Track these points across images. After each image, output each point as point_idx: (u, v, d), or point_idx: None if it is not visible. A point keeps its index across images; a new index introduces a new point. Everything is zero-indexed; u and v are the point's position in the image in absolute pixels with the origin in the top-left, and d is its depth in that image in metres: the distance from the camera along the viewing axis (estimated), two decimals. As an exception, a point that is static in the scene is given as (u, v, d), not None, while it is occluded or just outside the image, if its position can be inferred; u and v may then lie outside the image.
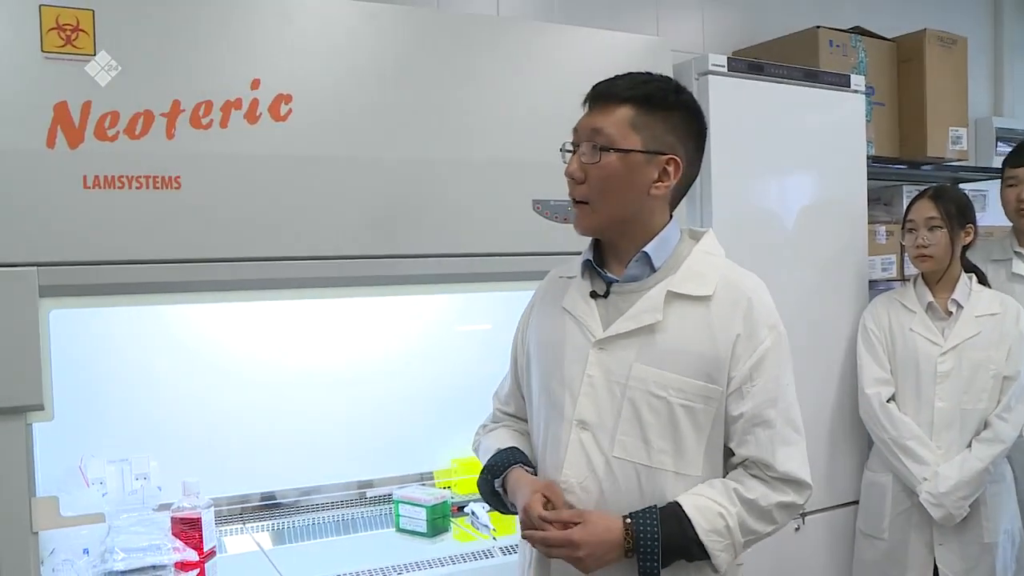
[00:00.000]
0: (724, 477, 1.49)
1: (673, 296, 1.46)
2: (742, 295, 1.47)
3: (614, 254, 1.53)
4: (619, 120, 1.44)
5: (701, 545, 1.40)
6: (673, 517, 1.40)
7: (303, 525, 2.34)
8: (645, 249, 1.48)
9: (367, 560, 2.07)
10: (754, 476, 1.46)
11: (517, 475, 1.53)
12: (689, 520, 1.39)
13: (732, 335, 1.44)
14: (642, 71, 1.50)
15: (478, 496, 2.45)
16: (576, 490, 1.45)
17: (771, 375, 1.46)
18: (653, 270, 1.49)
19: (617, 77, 1.49)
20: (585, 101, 1.51)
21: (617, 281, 1.51)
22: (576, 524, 1.39)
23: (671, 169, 1.46)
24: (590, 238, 1.56)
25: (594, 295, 1.52)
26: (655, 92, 1.46)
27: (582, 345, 1.49)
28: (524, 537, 1.46)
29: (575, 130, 1.50)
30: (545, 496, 1.44)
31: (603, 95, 1.47)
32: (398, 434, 2.46)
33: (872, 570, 2.67)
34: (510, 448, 1.60)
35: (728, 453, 1.50)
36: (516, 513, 1.51)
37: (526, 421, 1.67)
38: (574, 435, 1.46)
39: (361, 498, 2.45)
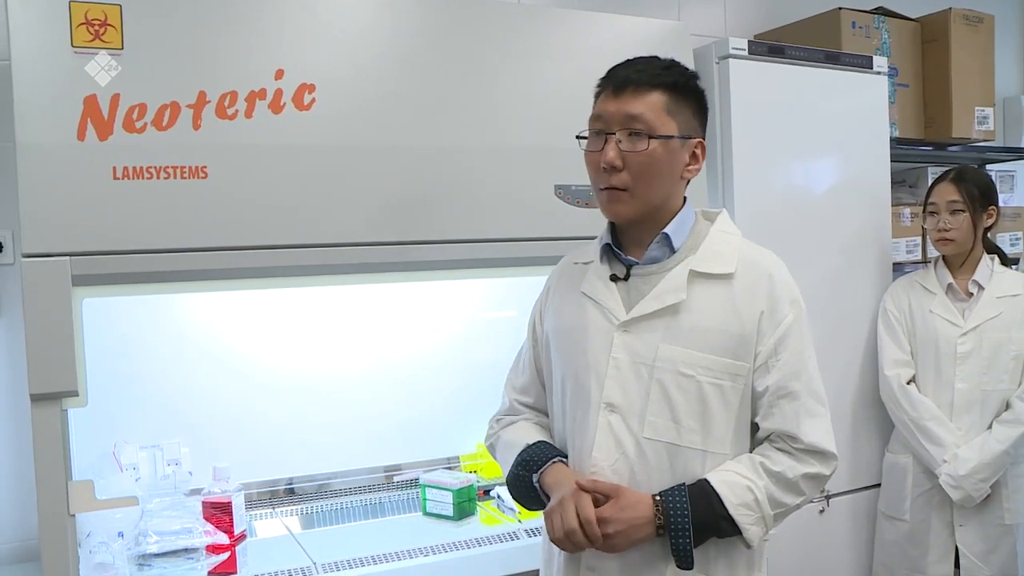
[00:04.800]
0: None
1: (696, 275, 1.47)
2: (763, 272, 1.49)
3: (633, 237, 1.54)
4: (655, 106, 1.44)
5: (731, 520, 1.41)
6: (702, 493, 1.41)
7: (331, 509, 2.37)
8: (665, 231, 1.49)
9: (394, 543, 2.09)
10: (780, 449, 1.47)
11: (562, 470, 1.49)
12: (718, 495, 1.41)
13: (756, 312, 1.46)
14: (647, 55, 1.50)
15: (503, 480, 2.50)
16: (607, 473, 1.46)
17: (795, 349, 1.47)
18: (673, 251, 1.50)
19: (635, 62, 1.48)
20: (604, 87, 1.49)
21: (637, 263, 1.52)
22: (609, 499, 1.40)
23: (699, 152, 1.49)
24: (608, 221, 1.55)
25: (614, 278, 1.53)
26: (680, 77, 1.47)
27: (605, 329, 1.50)
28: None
29: (599, 117, 1.47)
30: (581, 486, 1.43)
31: (633, 81, 1.44)
32: (424, 419, 2.48)
33: (894, 551, 2.67)
34: (541, 442, 1.57)
35: (754, 429, 1.51)
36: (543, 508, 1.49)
37: (546, 413, 1.65)
38: (602, 418, 1.47)
39: (388, 482, 2.48)
